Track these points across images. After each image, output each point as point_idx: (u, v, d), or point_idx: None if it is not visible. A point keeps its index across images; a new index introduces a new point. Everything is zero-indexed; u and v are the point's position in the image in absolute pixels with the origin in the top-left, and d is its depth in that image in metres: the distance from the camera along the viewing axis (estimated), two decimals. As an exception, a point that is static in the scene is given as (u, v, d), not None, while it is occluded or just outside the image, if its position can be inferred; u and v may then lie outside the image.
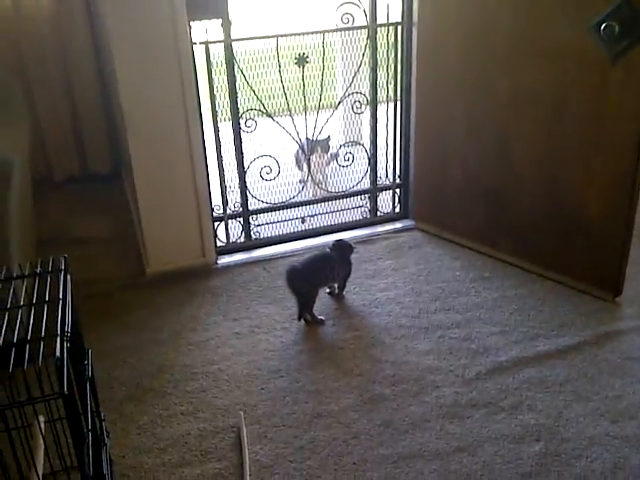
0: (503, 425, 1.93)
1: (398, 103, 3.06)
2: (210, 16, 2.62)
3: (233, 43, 2.70)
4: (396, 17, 2.91)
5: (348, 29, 2.91)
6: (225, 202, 2.92)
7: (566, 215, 2.52)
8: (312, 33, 2.87)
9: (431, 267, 2.78)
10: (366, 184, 3.22)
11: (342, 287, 2.60)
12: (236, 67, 2.74)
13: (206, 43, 2.64)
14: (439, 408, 2.00)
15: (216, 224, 2.91)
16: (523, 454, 1.82)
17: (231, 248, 2.97)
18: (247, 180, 2.94)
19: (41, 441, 1.37)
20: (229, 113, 2.80)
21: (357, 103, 3.05)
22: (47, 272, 1.45)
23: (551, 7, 2.35)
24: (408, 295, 2.59)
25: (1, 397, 1.20)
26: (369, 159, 3.16)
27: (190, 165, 2.66)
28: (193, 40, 2.54)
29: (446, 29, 2.70)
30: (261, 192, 3.03)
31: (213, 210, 2.85)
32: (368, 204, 3.23)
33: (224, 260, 2.89)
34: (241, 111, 2.80)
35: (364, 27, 2.91)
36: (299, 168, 3.39)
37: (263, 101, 2.85)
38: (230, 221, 2.97)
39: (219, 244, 2.93)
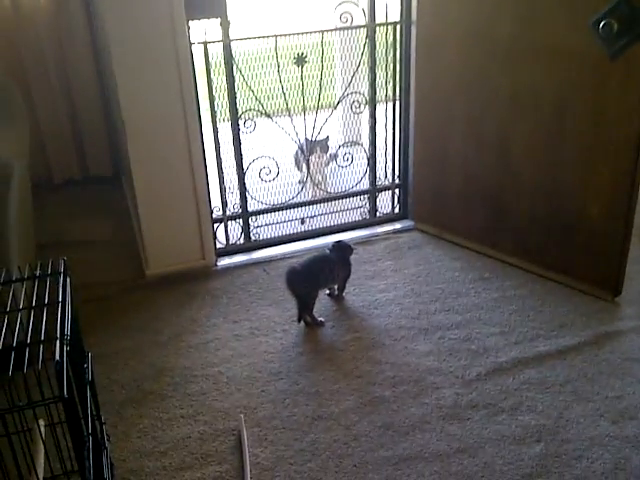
0: (503, 426, 1.92)
1: (397, 103, 3.06)
2: (209, 16, 2.62)
3: (232, 43, 2.69)
4: (395, 16, 2.90)
5: (347, 28, 2.91)
6: (224, 203, 2.92)
7: (566, 215, 2.52)
8: (311, 33, 2.87)
9: (431, 268, 2.78)
10: (365, 184, 3.22)
11: (342, 288, 2.60)
12: (235, 67, 2.74)
13: (205, 43, 2.64)
14: (439, 409, 2.00)
15: (215, 226, 2.90)
16: (524, 455, 1.82)
17: (231, 250, 2.97)
18: (246, 181, 2.93)
19: (41, 445, 1.36)
20: (228, 113, 2.80)
21: (356, 103, 3.04)
22: (46, 275, 1.45)
23: (550, 5, 2.34)
24: (408, 296, 2.58)
25: (1, 401, 1.20)
26: (368, 159, 3.16)
27: (189, 166, 2.66)
28: (192, 40, 2.54)
29: (445, 28, 2.70)
30: (260, 193, 3.03)
31: (212, 212, 2.85)
32: (367, 205, 3.23)
33: (224, 262, 2.89)
34: (240, 111, 2.80)
35: (363, 26, 2.91)
36: (298, 169, 3.39)
37: (262, 101, 2.85)
38: (229, 222, 2.97)
39: (219, 246, 2.93)
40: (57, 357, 1.18)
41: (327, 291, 2.60)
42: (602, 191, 2.39)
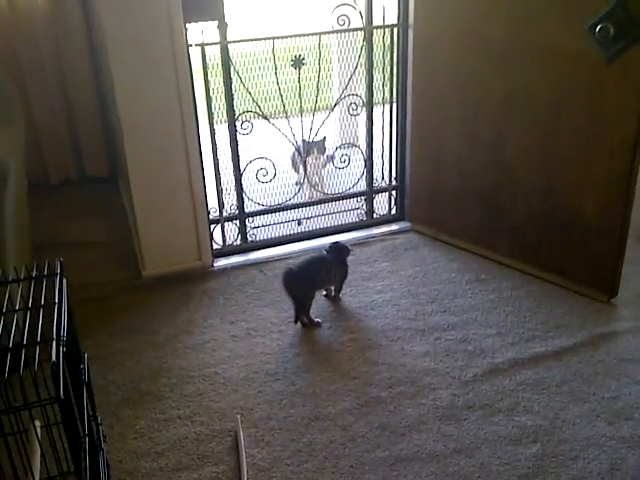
0: (500, 427, 1.93)
1: (394, 105, 3.06)
2: (206, 18, 2.62)
3: (229, 45, 2.69)
4: (392, 19, 2.91)
5: (344, 31, 2.91)
6: (221, 204, 2.92)
7: (562, 216, 2.53)
8: (308, 35, 2.87)
9: (427, 269, 2.78)
10: (362, 186, 3.22)
11: (338, 289, 2.60)
12: (232, 69, 2.74)
13: (202, 45, 2.64)
14: (436, 410, 2.00)
15: (212, 226, 2.90)
16: (520, 456, 1.82)
17: (227, 251, 2.97)
18: (243, 182, 2.93)
19: (37, 446, 1.36)
20: (225, 115, 2.80)
21: (353, 105, 3.05)
22: (43, 276, 1.45)
23: (544, 7, 2.35)
24: (404, 297, 2.59)
25: (-3, 402, 1.20)
26: (365, 161, 3.16)
27: (186, 167, 2.66)
28: (189, 42, 2.54)
29: (442, 31, 2.70)
30: (257, 194, 3.03)
31: (209, 212, 2.84)
32: (364, 206, 3.23)
33: (220, 263, 2.89)
34: (237, 113, 2.80)
35: (360, 29, 2.92)
36: (295, 170, 3.40)
37: (259, 103, 2.85)
38: (226, 223, 2.97)
39: (215, 247, 2.93)
40: (53, 358, 1.18)
41: (324, 292, 2.60)
42: (598, 191, 2.40)
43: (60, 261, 1.48)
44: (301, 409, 2.03)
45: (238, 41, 2.75)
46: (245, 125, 2.82)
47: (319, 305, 2.54)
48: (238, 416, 2.00)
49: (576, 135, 2.40)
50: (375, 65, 2.98)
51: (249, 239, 3.03)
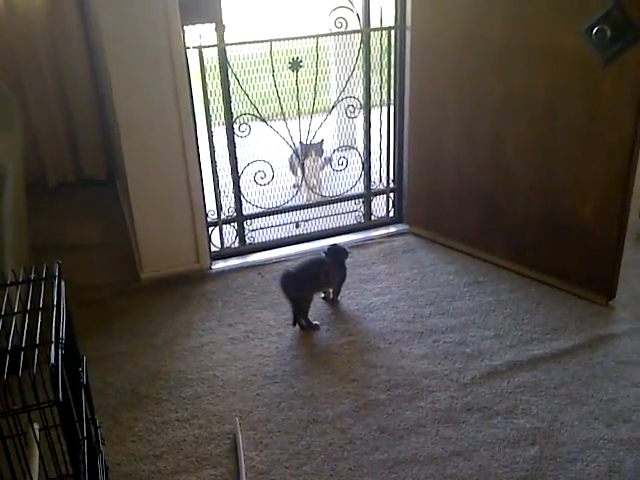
0: (498, 429, 1.93)
1: (392, 107, 3.07)
2: (204, 20, 2.62)
3: (227, 47, 2.69)
4: (389, 21, 2.91)
5: (342, 33, 2.91)
6: (219, 207, 2.92)
7: (559, 218, 2.53)
8: (306, 37, 2.87)
9: (425, 271, 2.78)
10: (360, 188, 3.22)
11: (337, 292, 2.60)
12: (230, 71, 2.74)
13: (200, 47, 2.64)
14: (434, 413, 2.00)
15: (210, 229, 2.90)
16: (519, 458, 1.82)
17: (225, 253, 2.97)
18: (241, 185, 2.93)
19: (36, 449, 1.36)
20: (223, 118, 2.80)
21: (351, 107, 3.05)
22: (41, 279, 1.45)
23: (542, 9, 2.36)
24: (403, 299, 2.59)
25: (-4, 405, 1.20)
26: (363, 163, 3.17)
27: (184, 170, 2.66)
28: (187, 44, 2.54)
29: (439, 33, 2.71)
30: (255, 197, 3.03)
31: (207, 215, 2.85)
32: (362, 208, 3.24)
33: (218, 265, 2.89)
34: (235, 116, 2.80)
35: (357, 31, 2.92)
36: (293, 173, 3.39)
37: (257, 105, 2.85)
38: (224, 226, 2.97)
39: (213, 249, 2.93)
40: (52, 361, 1.18)
41: (322, 294, 2.60)
42: (595, 193, 2.40)
43: (59, 263, 1.47)
44: (299, 412, 2.03)
45: (236, 43, 2.76)
46: (243, 127, 2.82)
47: (317, 308, 2.54)
48: (237, 419, 2.00)
49: (573, 135, 2.40)
50: (372, 67, 2.99)
51: (247, 241, 3.03)
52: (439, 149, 2.89)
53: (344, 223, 3.20)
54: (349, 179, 3.21)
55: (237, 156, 2.87)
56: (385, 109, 3.08)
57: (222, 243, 2.97)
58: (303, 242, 3.08)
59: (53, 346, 1.22)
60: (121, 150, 2.58)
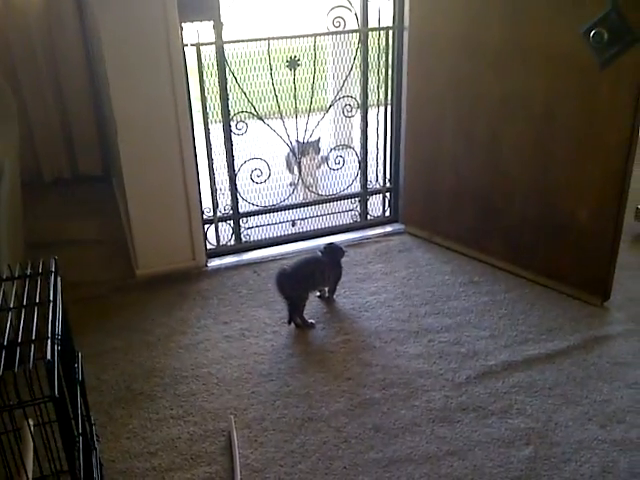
0: (493, 429, 1.93)
1: (389, 107, 3.07)
2: (202, 18, 2.62)
3: (224, 45, 2.69)
4: (387, 21, 2.92)
5: (339, 33, 2.91)
6: (215, 205, 2.92)
7: (556, 219, 2.54)
8: (303, 36, 2.87)
9: (421, 271, 2.79)
10: (356, 187, 3.22)
11: (332, 291, 2.60)
12: (227, 69, 2.74)
13: (197, 45, 2.64)
14: (429, 412, 2.00)
15: (206, 227, 2.90)
16: (513, 458, 1.83)
17: (221, 251, 2.96)
18: (237, 183, 2.93)
19: (31, 445, 1.35)
20: (220, 115, 2.80)
21: (348, 106, 3.05)
22: (37, 274, 1.44)
23: (539, 10, 2.37)
24: (398, 299, 2.59)
25: (-9, 400, 1.19)
26: (359, 162, 3.17)
27: (180, 167, 2.66)
28: (184, 42, 2.54)
29: (437, 34, 2.71)
30: (251, 195, 3.03)
31: (203, 212, 2.84)
32: (358, 208, 3.24)
33: (214, 263, 2.88)
34: (232, 113, 2.80)
35: (355, 31, 2.92)
36: (290, 171, 3.40)
37: (254, 103, 2.85)
38: (220, 224, 2.97)
39: (209, 247, 2.92)
40: (48, 356, 1.17)
41: (318, 293, 2.60)
42: (592, 194, 2.41)
43: (54, 259, 1.47)
44: (294, 410, 2.03)
45: (233, 41, 2.75)
46: (240, 125, 2.82)
47: (313, 306, 2.54)
48: (231, 416, 1.99)
49: (570, 137, 2.41)
50: (370, 67, 2.99)
51: (243, 239, 3.03)
52: (436, 149, 2.89)
53: (340, 222, 3.21)
54: (345, 178, 3.21)
55: (234, 154, 2.87)
56: (382, 109, 3.08)
57: (218, 241, 2.97)
58: (299, 240, 3.08)
59: (49, 342, 1.22)
60: (118, 147, 2.57)
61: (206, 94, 2.74)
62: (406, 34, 2.87)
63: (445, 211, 2.95)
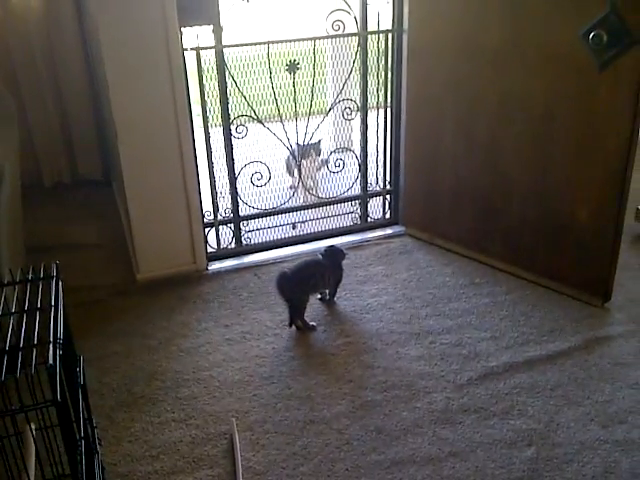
0: (495, 430, 1.93)
1: (388, 109, 3.08)
2: (201, 22, 2.62)
3: (224, 49, 2.70)
4: (387, 24, 2.92)
5: (339, 36, 2.92)
6: (216, 208, 2.92)
7: (556, 220, 2.54)
8: (303, 40, 2.88)
9: (422, 273, 2.79)
10: (356, 190, 3.22)
11: (333, 293, 2.60)
12: (227, 73, 2.75)
13: (197, 49, 2.64)
14: (431, 414, 2.00)
15: (207, 230, 2.90)
16: (515, 459, 1.83)
17: (222, 254, 2.97)
18: (238, 186, 2.94)
19: (33, 449, 1.35)
20: (220, 119, 2.81)
21: (347, 109, 3.06)
22: (39, 279, 1.44)
23: (538, 14, 2.37)
24: (399, 301, 2.59)
25: (-7, 405, 1.19)
26: (359, 165, 3.17)
27: (181, 171, 2.66)
28: (184, 46, 2.54)
29: (436, 36, 2.72)
30: (252, 198, 3.03)
31: (204, 216, 2.84)
32: (359, 210, 3.24)
33: (215, 266, 2.89)
34: (232, 117, 2.81)
35: (355, 34, 2.93)
36: (290, 174, 3.40)
37: (254, 107, 2.86)
38: (221, 227, 2.97)
39: (210, 250, 2.93)
40: (50, 361, 1.17)
41: (318, 295, 2.60)
42: (591, 195, 2.41)
43: (56, 264, 1.47)
44: (296, 412, 2.03)
45: (233, 45, 2.76)
46: (240, 129, 2.83)
47: (314, 309, 2.54)
48: (233, 419, 1.99)
49: (570, 138, 2.41)
50: (369, 70, 2.99)
51: (244, 242, 3.03)
52: (435, 151, 2.90)
53: (340, 225, 3.21)
54: (346, 181, 3.22)
55: (234, 157, 2.88)
56: (382, 111, 3.09)
57: (218, 244, 2.97)
58: (299, 243, 3.08)
59: (51, 346, 1.22)
60: (118, 151, 2.58)
61: (206, 98, 2.75)
62: (405, 37, 2.87)
63: (445, 213, 2.95)
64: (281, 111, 2.91)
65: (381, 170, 3.20)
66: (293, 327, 2.43)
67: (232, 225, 3.00)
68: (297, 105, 2.93)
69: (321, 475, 1.79)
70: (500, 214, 2.73)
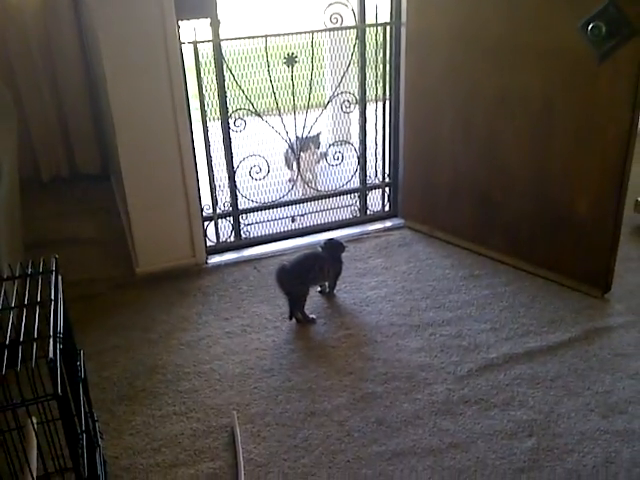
0: (495, 421, 1.94)
1: (387, 102, 3.07)
2: (199, 15, 2.61)
3: (222, 43, 2.69)
4: (385, 17, 2.91)
5: (337, 29, 2.91)
6: (215, 201, 2.92)
7: (555, 212, 2.54)
8: (301, 33, 2.87)
9: (421, 265, 2.79)
10: (355, 183, 3.22)
11: (333, 286, 2.60)
12: (225, 67, 2.74)
13: (195, 43, 2.64)
14: (431, 405, 2.01)
15: (206, 223, 2.90)
16: (516, 450, 1.83)
17: (221, 247, 2.96)
18: (237, 179, 2.93)
19: (34, 442, 1.36)
20: (218, 113, 2.80)
21: (346, 102, 3.05)
22: (38, 273, 1.44)
23: (537, 6, 2.36)
24: (399, 293, 2.59)
25: (-5, 399, 1.19)
26: (358, 158, 3.16)
27: (179, 164, 2.66)
28: (182, 40, 2.53)
29: (435, 29, 2.71)
30: (251, 191, 3.03)
31: (203, 209, 2.84)
32: (358, 203, 3.24)
33: (214, 259, 2.89)
34: (230, 110, 2.80)
35: (353, 27, 2.92)
36: (288, 167, 3.39)
37: (252, 100, 2.85)
38: (220, 220, 2.97)
39: (209, 243, 2.92)
40: (51, 355, 1.18)
41: (318, 288, 2.60)
42: (591, 187, 2.41)
43: (55, 258, 1.47)
44: (297, 405, 2.03)
45: (231, 39, 2.75)
46: (238, 122, 2.82)
47: (314, 301, 2.54)
48: (234, 412, 2.00)
49: (569, 129, 2.41)
50: (368, 63, 2.99)
51: (243, 236, 3.03)
52: (434, 143, 2.89)
53: (340, 217, 3.21)
54: (344, 174, 3.21)
55: (232, 151, 2.87)
56: (380, 104, 3.08)
57: (218, 237, 2.97)
58: (298, 236, 3.08)
59: (51, 340, 1.22)
60: (117, 145, 2.57)
61: (204, 91, 2.74)
62: (403, 30, 2.86)
63: (444, 205, 2.95)
64: (279, 104, 2.91)
65: (380, 163, 3.20)
66: (293, 320, 2.43)
67: (231, 218, 3.00)
68: (295, 98, 2.92)
69: (322, 467, 1.80)
70: (499, 206, 2.73)
